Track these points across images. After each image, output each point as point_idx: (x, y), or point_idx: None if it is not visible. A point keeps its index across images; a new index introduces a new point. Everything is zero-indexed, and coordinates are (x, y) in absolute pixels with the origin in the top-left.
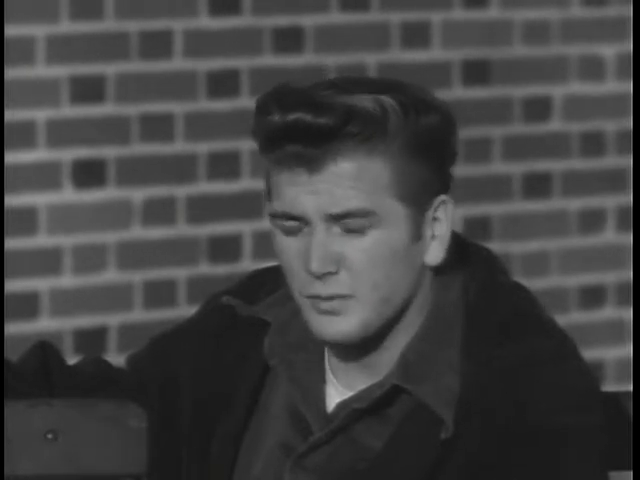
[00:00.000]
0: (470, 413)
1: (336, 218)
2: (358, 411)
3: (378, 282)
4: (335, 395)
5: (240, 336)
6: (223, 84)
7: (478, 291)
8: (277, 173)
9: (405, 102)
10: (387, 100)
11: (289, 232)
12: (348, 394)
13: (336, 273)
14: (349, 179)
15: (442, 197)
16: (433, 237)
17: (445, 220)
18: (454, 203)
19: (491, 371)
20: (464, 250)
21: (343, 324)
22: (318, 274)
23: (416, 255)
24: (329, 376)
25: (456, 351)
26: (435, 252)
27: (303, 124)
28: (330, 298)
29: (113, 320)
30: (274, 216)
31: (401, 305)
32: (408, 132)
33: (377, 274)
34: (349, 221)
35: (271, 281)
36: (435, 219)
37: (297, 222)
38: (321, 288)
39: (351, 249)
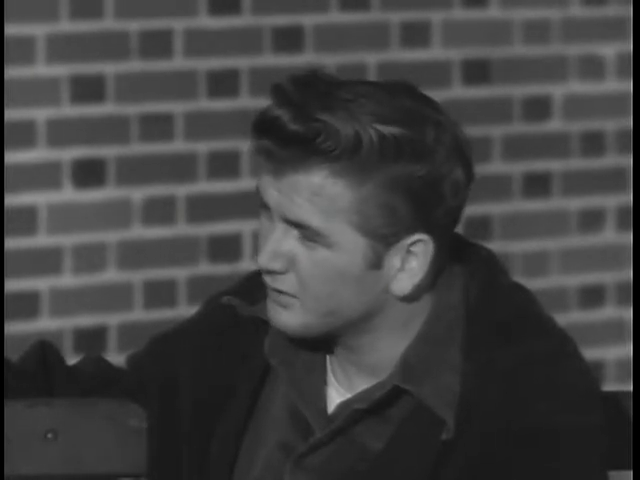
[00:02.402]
0: (471, 414)
1: (291, 224)
2: (359, 412)
3: (321, 296)
4: (336, 396)
5: (240, 336)
6: (223, 84)
7: (478, 291)
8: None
9: (390, 142)
10: (370, 133)
11: (265, 211)
12: (349, 396)
13: (284, 273)
14: (307, 192)
15: (420, 236)
16: (402, 269)
17: (422, 257)
18: (435, 245)
19: (492, 372)
20: (464, 250)
21: (286, 318)
22: (263, 268)
23: (375, 281)
24: (330, 378)
25: (457, 352)
26: (402, 284)
27: (278, 124)
28: (276, 291)
29: (113, 320)
30: (258, 193)
31: (356, 318)
32: (384, 171)
33: (321, 289)
34: (303, 231)
35: None
36: (410, 252)
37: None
38: (268, 280)
39: (302, 256)
